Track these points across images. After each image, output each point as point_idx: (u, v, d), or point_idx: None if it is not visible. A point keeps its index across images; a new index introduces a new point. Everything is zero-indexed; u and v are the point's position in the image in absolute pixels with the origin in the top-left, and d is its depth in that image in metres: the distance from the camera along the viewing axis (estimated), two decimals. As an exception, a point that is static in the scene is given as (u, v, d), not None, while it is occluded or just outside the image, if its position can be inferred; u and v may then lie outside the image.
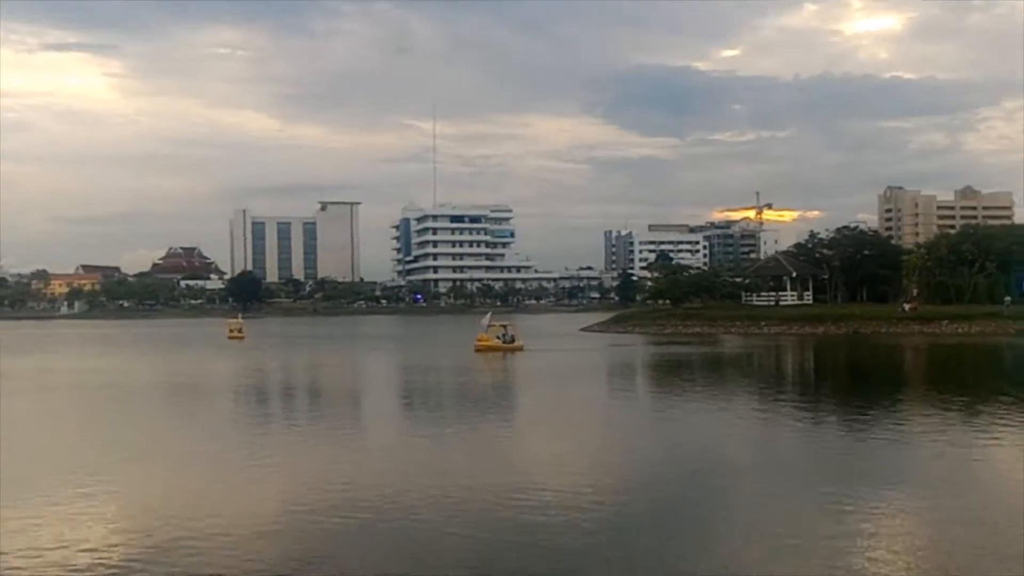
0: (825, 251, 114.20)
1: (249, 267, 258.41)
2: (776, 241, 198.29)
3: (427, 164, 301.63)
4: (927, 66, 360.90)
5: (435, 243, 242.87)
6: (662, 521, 16.04)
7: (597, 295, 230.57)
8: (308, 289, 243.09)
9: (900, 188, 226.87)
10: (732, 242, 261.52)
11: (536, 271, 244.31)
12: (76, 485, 19.23)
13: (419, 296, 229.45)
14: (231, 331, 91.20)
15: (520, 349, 63.03)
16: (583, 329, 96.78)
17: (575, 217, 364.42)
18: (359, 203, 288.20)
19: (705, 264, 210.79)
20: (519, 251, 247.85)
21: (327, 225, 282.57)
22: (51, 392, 41.70)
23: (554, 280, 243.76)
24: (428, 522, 15.90)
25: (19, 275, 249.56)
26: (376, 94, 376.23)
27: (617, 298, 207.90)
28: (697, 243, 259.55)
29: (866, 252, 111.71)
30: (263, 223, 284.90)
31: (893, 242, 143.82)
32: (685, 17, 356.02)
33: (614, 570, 13.38)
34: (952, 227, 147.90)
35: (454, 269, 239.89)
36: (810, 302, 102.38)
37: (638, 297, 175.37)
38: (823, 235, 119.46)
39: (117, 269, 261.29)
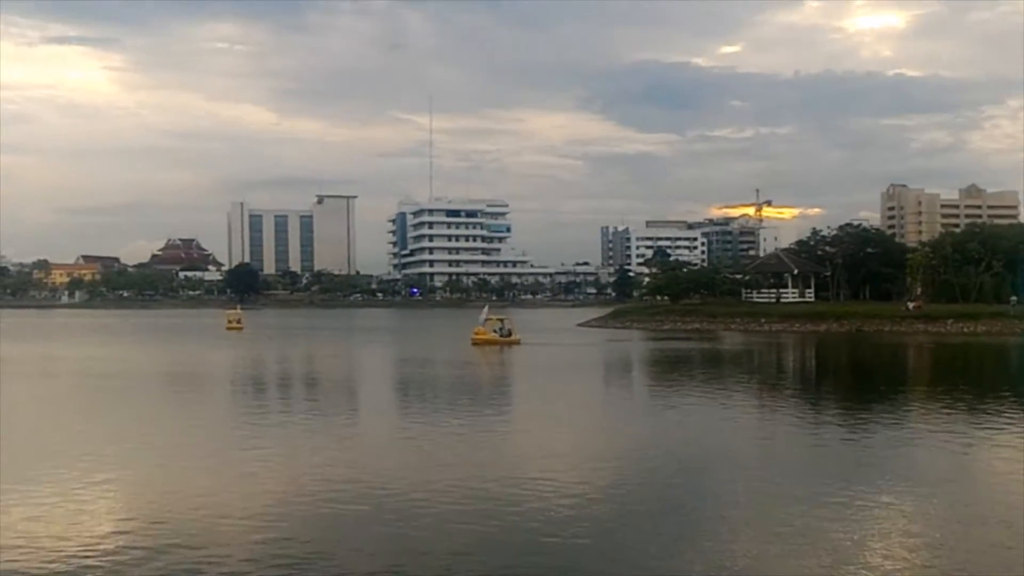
0: (827, 248, 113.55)
1: (246, 259, 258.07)
2: (776, 238, 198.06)
3: (423, 159, 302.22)
4: (931, 63, 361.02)
5: (431, 237, 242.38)
6: (656, 517, 15.76)
7: (593, 291, 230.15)
8: (305, 281, 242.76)
9: (903, 186, 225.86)
10: (731, 239, 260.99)
11: (532, 266, 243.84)
12: (75, 473, 19.00)
13: (415, 290, 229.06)
14: (230, 322, 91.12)
15: (517, 343, 62.58)
16: (580, 324, 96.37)
17: (571, 213, 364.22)
18: (355, 197, 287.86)
19: (703, 261, 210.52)
20: (515, 246, 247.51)
21: (324, 218, 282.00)
22: (53, 379, 41.38)
23: (550, 275, 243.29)
24: (426, 516, 15.65)
25: (21, 265, 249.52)
26: (373, 89, 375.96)
27: (614, 294, 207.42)
28: (695, 240, 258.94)
29: (869, 250, 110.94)
30: (260, 216, 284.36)
31: (896, 240, 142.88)
32: (684, 13, 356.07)
33: (608, 565, 13.13)
34: (956, 226, 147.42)
35: (450, 263, 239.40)
36: (812, 299, 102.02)
37: (635, 293, 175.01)
38: (825, 232, 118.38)
39: (117, 260, 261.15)
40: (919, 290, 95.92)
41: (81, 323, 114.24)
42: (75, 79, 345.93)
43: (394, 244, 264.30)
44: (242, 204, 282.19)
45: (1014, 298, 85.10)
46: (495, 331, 64.54)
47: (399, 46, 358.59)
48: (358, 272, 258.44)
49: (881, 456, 21.50)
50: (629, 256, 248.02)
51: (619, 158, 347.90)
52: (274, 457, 21.45)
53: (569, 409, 30.99)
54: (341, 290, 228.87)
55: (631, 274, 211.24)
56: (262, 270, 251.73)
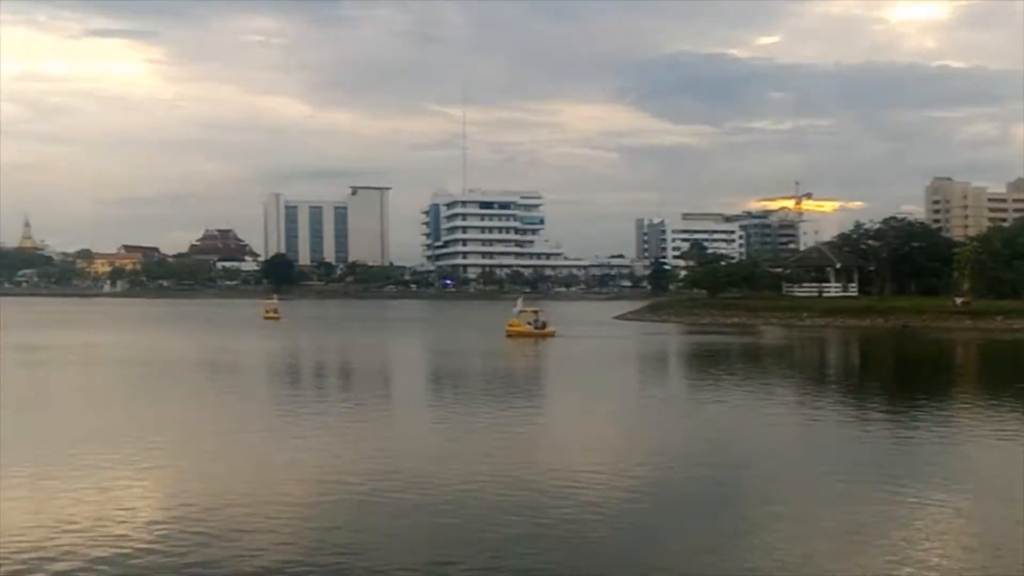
0: (871, 242, 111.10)
1: (282, 250, 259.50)
2: (816, 232, 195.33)
3: (457, 150, 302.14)
4: (976, 55, 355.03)
5: (464, 229, 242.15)
6: (703, 514, 15.47)
7: (628, 284, 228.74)
8: (339, 272, 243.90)
9: (948, 179, 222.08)
10: (769, 232, 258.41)
11: (566, 258, 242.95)
12: (119, 461, 18.97)
13: (449, 281, 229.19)
14: (267, 312, 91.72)
15: (552, 335, 62.26)
16: (616, 317, 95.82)
17: (605, 205, 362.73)
18: (389, 188, 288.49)
19: (741, 254, 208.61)
20: (548, 238, 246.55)
21: (358, 210, 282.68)
22: (97, 367, 41.52)
23: (584, 268, 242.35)
24: (469, 507, 15.43)
25: (64, 254, 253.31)
26: (407, 81, 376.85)
27: (649, 287, 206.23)
28: (733, 233, 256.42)
29: (915, 244, 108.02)
30: (296, 207, 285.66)
31: (942, 235, 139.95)
32: (720, 4, 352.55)
33: (655, 561, 12.88)
34: (1003, 220, 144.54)
35: (483, 255, 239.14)
36: (855, 294, 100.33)
37: (671, 286, 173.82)
38: (868, 226, 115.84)
39: (157, 250, 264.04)
40: (967, 286, 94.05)
41: (123, 312, 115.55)
42: (117, 72, 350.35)
43: (427, 236, 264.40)
44: (278, 195, 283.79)
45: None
46: (530, 323, 64.26)
47: (433, 38, 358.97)
48: (392, 263, 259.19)
49: (932, 453, 21.04)
50: (664, 249, 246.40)
51: (654, 150, 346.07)
52: (314, 447, 21.36)
53: (608, 403, 30.68)
54: (375, 281, 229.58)
55: (667, 267, 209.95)
56: (297, 261, 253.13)
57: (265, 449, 21.09)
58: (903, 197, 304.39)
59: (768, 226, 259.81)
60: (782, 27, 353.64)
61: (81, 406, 28.50)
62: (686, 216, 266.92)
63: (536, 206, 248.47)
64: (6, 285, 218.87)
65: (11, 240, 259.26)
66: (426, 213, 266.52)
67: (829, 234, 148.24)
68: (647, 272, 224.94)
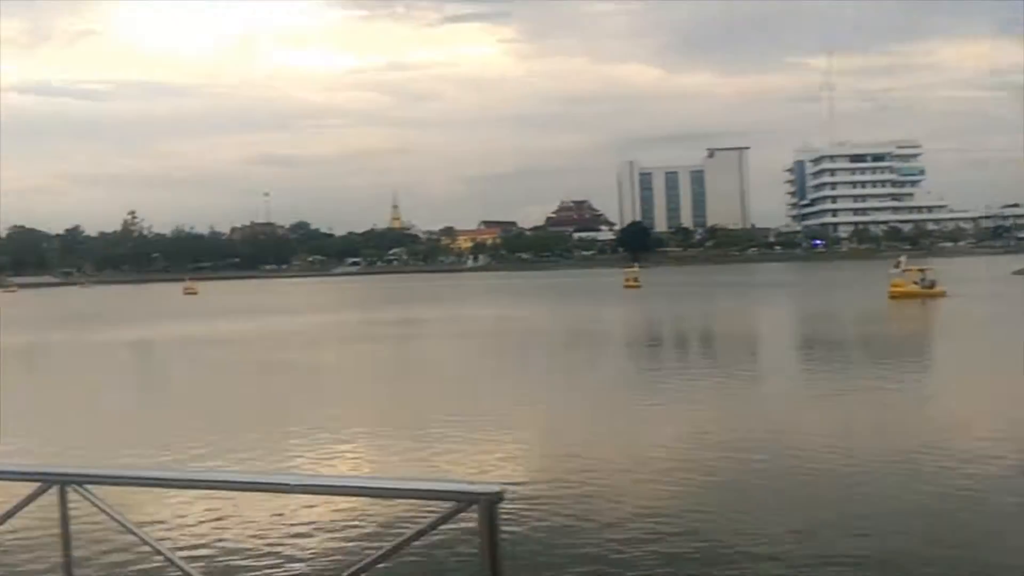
0: None
1: (638, 217, 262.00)
2: None
3: (819, 103, 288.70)
4: None
5: (833, 185, 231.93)
6: None
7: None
8: (698, 237, 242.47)
9: None
10: None
11: (951, 210, 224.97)
12: (478, 430, 18.91)
13: (818, 241, 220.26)
14: (627, 280, 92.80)
15: (942, 295, 57.00)
16: (1016, 272, 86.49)
17: (995, 150, 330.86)
18: (748, 148, 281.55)
19: None
20: (930, 190, 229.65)
21: (715, 172, 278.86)
22: (465, 339, 43.19)
23: (973, 219, 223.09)
24: (855, 489, 13.65)
25: (429, 232, 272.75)
26: (761, 35, 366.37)
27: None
28: None
29: None
30: (650, 173, 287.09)
31: None
32: None
33: None
34: None
35: (855, 212, 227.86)
36: None
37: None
38: None
39: (514, 224, 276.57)
40: None
41: (485, 285, 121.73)
42: (472, 54, 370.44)
43: (792, 195, 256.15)
44: (631, 163, 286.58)
45: None
46: (916, 282, 59.27)
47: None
48: (753, 226, 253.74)
49: None
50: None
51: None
52: (680, 416, 20.43)
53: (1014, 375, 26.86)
54: (736, 245, 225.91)
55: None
56: (653, 228, 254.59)
57: (621, 419, 20.41)
58: None
59: None
60: None
61: (439, 378, 29.30)
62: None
63: (914, 156, 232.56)
64: (379, 263, 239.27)
65: (382, 221, 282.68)
66: (790, 171, 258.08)
67: None
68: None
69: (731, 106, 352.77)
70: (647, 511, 12.52)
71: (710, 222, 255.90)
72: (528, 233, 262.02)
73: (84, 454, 16.38)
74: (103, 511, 3.59)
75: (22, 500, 3.68)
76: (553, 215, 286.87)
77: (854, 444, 16.57)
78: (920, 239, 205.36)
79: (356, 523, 11.35)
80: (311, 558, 10.41)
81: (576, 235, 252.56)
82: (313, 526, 11.38)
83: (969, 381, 25.63)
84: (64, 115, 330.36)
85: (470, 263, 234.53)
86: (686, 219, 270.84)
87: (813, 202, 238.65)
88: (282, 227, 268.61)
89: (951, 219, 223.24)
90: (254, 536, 11.16)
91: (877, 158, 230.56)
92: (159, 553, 3.77)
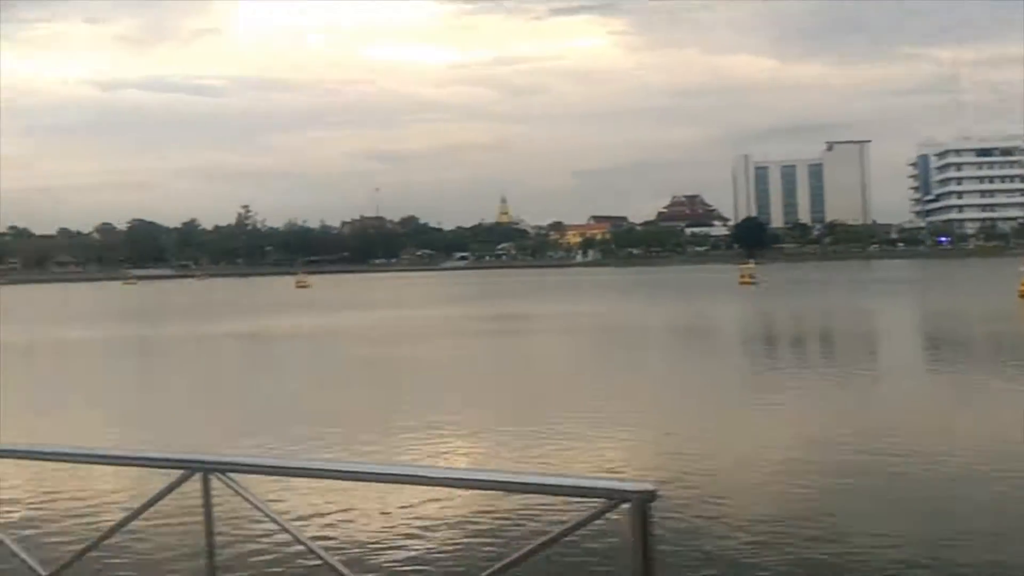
0: None
1: (752, 213, 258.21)
2: None
3: (942, 95, 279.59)
4: None
5: (959, 180, 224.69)
6: None
7: None
8: (815, 233, 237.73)
9: None
10: None
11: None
12: (578, 426, 18.77)
13: (944, 238, 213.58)
14: (742, 276, 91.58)
15: (1083, 295, 54.68)
16: None
17: None
18: (868, 141, 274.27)
19: None
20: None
21: (834, 166, 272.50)
22: (572, 334, 43.34)
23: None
24: (971, 495, 13.09)
25: (538, 227, 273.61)
26: (880, 23, 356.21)
27: None
28: None
29: None
30: (766, 167, 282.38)
31: None
32: None
33: None
34: None
35: (982, 208, 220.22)
36: None
37: None
38: None
39: (624, 219, 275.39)
40: None
41: (595, 280, 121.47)
42: (580, 47, 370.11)
43: (916, 190, 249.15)
44: (746, 157, 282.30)
45: None
46: (1050, 281, 56.97)
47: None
48: (874, 222, 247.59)
49: None
50: None
51: None
52: (803, 415, 20.05)
53: None
54: (856, 241, 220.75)
55: None
56: (769, 223, 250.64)
57: (730, 418, 20.13)
58: None
59: None
60: None
61: (547, 374, 29.48)
62: None
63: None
64: (487, 258, 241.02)
65: (490, 216, 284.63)
66: (913, 165, 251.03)
67: None
68: None
69: (848, 98, 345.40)
70: (777, 513, 12.30)
71: (828, 217, 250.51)
72: (639, 228, 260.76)
73: (201, 443, 16.93)
74: (246, 499, 3.65)
75: (166, 487, 3.79)
76: (664, 210, 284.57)
77: (1000, 448, 16.06)
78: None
79: (487, 518, 11.38)
80: (447, 553, 10.48)
81: (688, 231, 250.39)
82: (444, 520, 11.48)
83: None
84: (180, 111, 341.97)
85: (579, 258, 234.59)
86: (803, 214, 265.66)
87: (938, 197, 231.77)
88: (391, 221, 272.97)
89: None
90: (388, 528, 11.32)
91: (1006, 152, 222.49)
92: (299, 542, 3.84)
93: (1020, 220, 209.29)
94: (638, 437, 18.07)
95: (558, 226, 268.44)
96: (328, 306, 69.20)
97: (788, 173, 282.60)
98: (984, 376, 25.55)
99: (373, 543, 10.81)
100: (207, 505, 3.70)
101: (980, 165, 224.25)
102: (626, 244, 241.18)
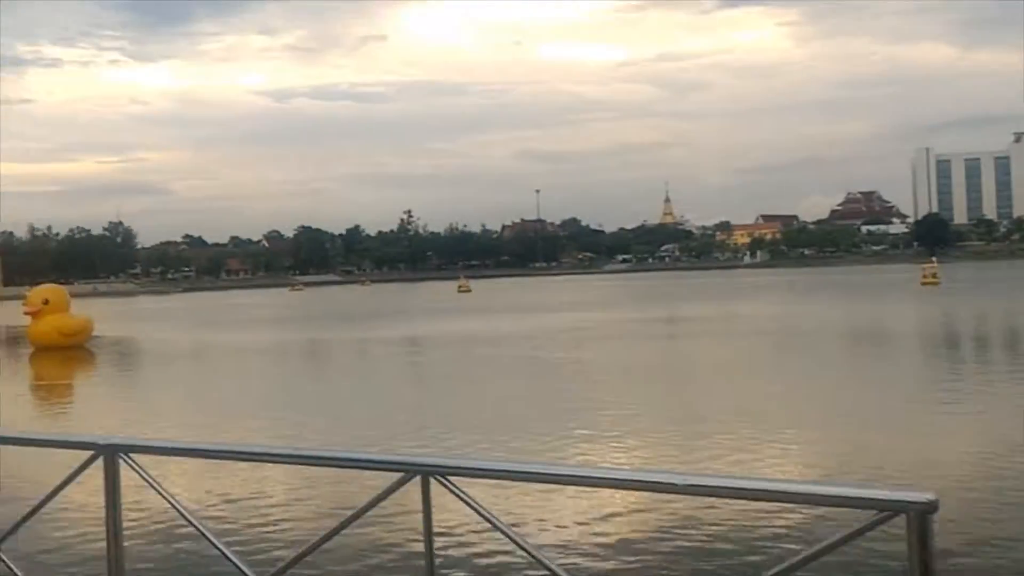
0: None
1: (934, 209, 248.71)
2: None
3: None
4: None
5: None
6: None
7: None
8: (1003, 230, 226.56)
9: None
10: None
11: None
12: (751, 429, 18.43)
13: None
14: (924, 276, 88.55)
15: None
16: None
17: None
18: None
19: None
20: None
21: (1022, 158, 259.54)
22: (749, 337, 42.58)
23: None
24: None
25: (703, 227, 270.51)
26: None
27: None
28: None
29: None
30: (948, 160, 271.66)
31: None
32: None
33: None
34: None
35: None
36: None
37: None
38: None
39: (795, 217, 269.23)
40: None
41: (764, 281, 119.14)
42: (748, 40, 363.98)
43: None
44: (927, 150, 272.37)
45: None
46: None
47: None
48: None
49: None
50: None
51: None
52: (977, 425, 19.00)
53: None
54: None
55: None
56: (952, 220, 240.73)
57: (954, 418, 19.36)
58: None
59: None
60: None
61: (720, 378, 28.94)
62: None
63: None
64: (650, 260, 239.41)
65: (653, 217, 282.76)
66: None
67: None
68: None
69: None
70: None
71: (1016, 213, 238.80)
72: (811, 227, 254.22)
73: (415, 447, 17.17)
74: (465, 502, 3.67)
75: (384, 490, 3.84)
76: (838, 207, 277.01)
77: None
78: None
79: (724, 528, 10.97)
80: (695, 565, 10.18)
81: (864, 229, 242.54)
82: (683, 529, 11.07)
83: None
84: (347, 118, 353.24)
85: (747, 259, 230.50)
86: (989, 210, 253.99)
87: None
88: (552, 224, 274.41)
89: None
90: (612, 534, 11.07)
91: None
92: (522, 548, 3.79)
93: None
94: (830, 440, 17.49)
95: (725, 226, 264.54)
96: (491, 310, 70.05)
97: (972, 167, 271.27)
98: None
99: (596, 550, 10.58)
100: (426, 509, 3.76)
101: None
102: (797, 244, 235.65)
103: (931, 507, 2.97)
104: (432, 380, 30.44)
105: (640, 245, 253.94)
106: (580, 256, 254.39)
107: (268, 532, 11.52)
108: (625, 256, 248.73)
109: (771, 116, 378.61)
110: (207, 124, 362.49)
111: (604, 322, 52.79)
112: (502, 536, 3.79)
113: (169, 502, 4.50)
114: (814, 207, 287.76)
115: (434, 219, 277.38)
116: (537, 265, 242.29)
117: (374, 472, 4.01)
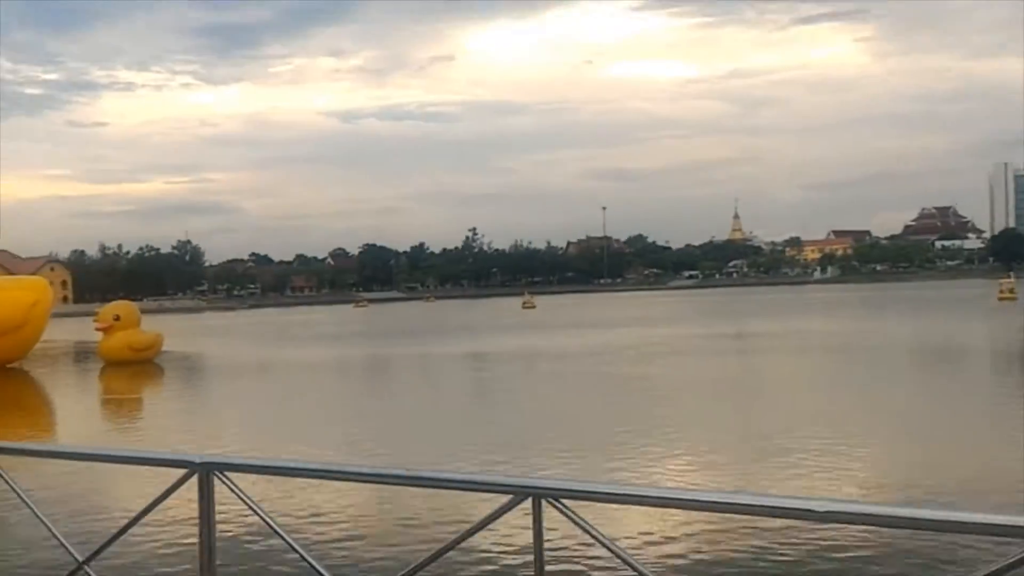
0: None
1: (1011, 224, 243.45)
2: None
3: None
4: None
5: None
6: None
7: None
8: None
9: None
10: None
11: None
12: (829, 442, 18.28)
13: None
14: (1002, 292, 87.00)
15: None
16: None
17: None
18: None
19: None
20: None
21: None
22: (806, 353, 42.17)
23: None
24: None
25: (772, 243, 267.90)
26: None
27: None
28: None
29: None
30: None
31: None
32: None
33: None
34: None
35: None
36: None
37: None
38: None
39: (868, 233, 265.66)
40: None
41: (835, 297, 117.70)
42: (823, 56, 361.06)
43: None
44: (1005, 164, 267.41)
45: None
46: None
47: None
48: None
49: None
50: None
51: None
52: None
53: None
54: None
55: None
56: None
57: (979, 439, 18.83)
58: None
59: None
60: None
61: (791, 393, 28.72)
62: None
63: None
64: (717, 276, 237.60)
65: (721, 234, 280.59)
66: None
67: None
68: None
69: None
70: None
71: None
72: (884, 242, 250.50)
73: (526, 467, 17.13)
74: (580, 526, 3.68)
75: (494, 511, 3.86)
76: (912, 223, 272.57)
77: None
78: None
79: (852, 552, 10.75)
80: None
81: (939, 244, 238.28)
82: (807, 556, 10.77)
83: None
84: (414, 138, 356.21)
85: (817, 275, 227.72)
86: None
87: None
88: (618, 240, 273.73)
89: None
90: (732, 556, 10.88)
91: None
92: (636, 570, 3.74)
93: None
94: (913, 463, 17.20)
95: (795, 242, 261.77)
96: (556, 326, 70.10)
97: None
98: None
99: (700, 568, 10.53)
100: (537, 531, 3.78)
101: None
102: (869, 260, 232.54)
103: None
104: (503, 395, 30.54)
105: (708, 261, 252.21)
106: (646, 272, 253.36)
107: (363, 552, 11.54)
108: (692, 272, 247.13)
109: (844, 131, 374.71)
110: (275, 145, 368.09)
111: (672, 338, 52.55)
112: (605, 556, 3.79)
113: (265, 521, 4.58)
114: (887, 222, 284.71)
115: (499, 237, 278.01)
116: (602, 281, 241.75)
117: (477, 494, 4.11)
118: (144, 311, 49.94)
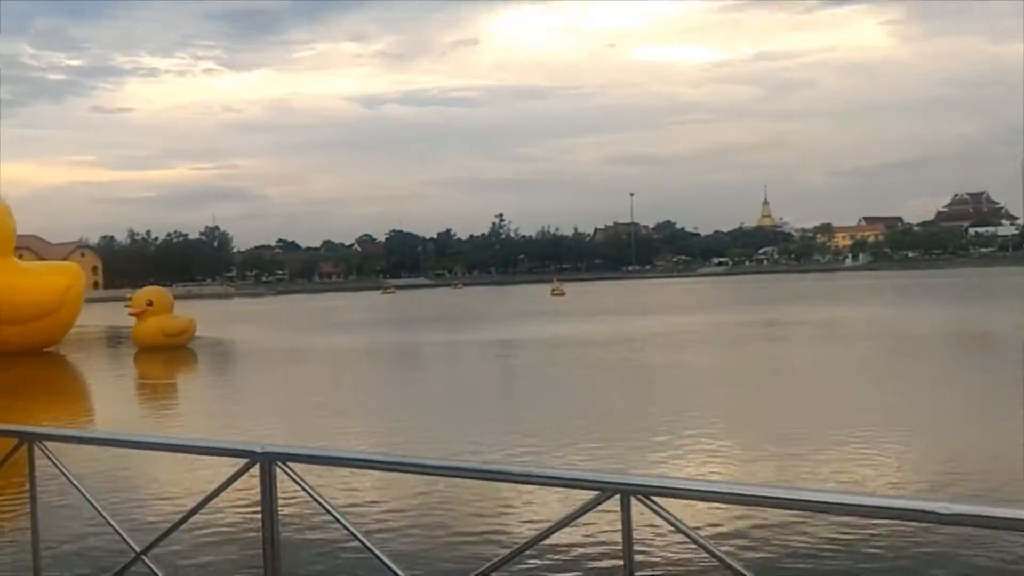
0: None
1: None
2: None
3: None
4: None
5: None
6: None
7: None
8: None
9: None
10: None
11: None
12: (870, 432, 17.98)
13: None
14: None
15: None
16: None
17: None
18: None
19: None
20: None
21: None
22: (842, 342, 41.72)
23: None
24: None
25: (803, 230, 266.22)
26: None
27: None
28: None
29: None
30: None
31: None
32: None
33: None
34: None
35: None
36: None
37: None
38: None
39: (900, 219, 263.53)
40: None
41: (867, 285, 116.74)
42: (852, 39, 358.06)
43: None
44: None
45: None
46: None
47: None
48: None
49: None
50: None
51: None
52: None
53: None
54: None
55: None
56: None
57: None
58: None
59: None
60: None
61: (827, 382, 28.38)
62: None
63: None
64: (747, 263, 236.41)
65: (750, 219, 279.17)
66: None
67: None
68: None
69: None
70: None
71: None
72: (916, 229, 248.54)
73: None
74: (666, 519, 3.63)
75: (581, 506, 3.80)
76: (944, 209, 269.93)
77: None
78: None
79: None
80: None
81: (972, 231, 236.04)
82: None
83: None
84: (438, 123, 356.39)
85: (848, 262, 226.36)
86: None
87: None
88: (646, 227, 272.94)
89: None
90: (824, 549, 10.49)
91: None
92: (728, 566, 3.66)
93: None
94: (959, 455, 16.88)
95: (826, 228, 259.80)
96: (587, 312, 69.88)
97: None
98: None
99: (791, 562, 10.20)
100: (626, 527, 3.74)
101: None
102: (901, 246, 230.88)
103: None
104: (547, 385, 30.33)
105: (737, 248, 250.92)
106: (675, 259, 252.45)
107: (431, 546, 11.20)
108: (721, 259, 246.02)
109: (874, 116, 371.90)
110: (299, 131, 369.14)
111: (703, 325, 52.23)
112: (691, 549, 3.71)
113: (330, 512, 4.50)
114: (919, 209, 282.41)
115: (526, 223, 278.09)
116: (630, 268, 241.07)
117: (545, 488, 3.93)
118: (174, 297, 50.15)
